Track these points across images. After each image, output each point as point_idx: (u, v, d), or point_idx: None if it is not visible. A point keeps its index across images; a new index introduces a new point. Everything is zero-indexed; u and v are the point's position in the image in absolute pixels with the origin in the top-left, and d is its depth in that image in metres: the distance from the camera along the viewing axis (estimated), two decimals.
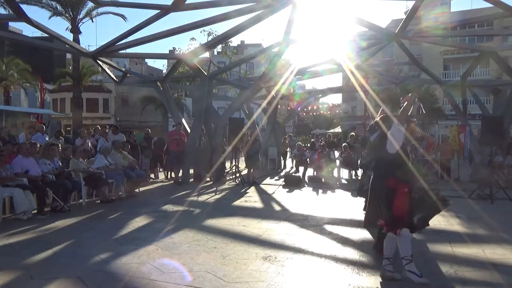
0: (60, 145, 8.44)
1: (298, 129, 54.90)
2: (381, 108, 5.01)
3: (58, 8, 21.62)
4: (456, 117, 13.62)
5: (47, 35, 10.42)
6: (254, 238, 5.31)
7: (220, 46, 25.28)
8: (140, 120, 31.37)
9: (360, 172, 12.46)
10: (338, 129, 40.00)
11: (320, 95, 21.24)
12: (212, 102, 14.28)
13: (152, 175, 12.57)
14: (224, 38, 13.00)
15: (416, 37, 11.17)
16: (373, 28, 9.90)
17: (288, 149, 17.96)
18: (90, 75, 27.24)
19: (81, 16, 22.12)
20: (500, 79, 19.91)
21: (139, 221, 6.30)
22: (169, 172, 12.57)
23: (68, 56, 30.02)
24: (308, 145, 15.62)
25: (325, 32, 12.09)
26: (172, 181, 11.53)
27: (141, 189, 9.56)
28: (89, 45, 52.97)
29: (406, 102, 4.05)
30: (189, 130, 12.17)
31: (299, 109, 21.64)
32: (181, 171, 11.66)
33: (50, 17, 21.77)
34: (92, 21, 22.93)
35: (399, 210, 3.79)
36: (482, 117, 11.05)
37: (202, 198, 8.80)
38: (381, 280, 3.78)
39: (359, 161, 11.71)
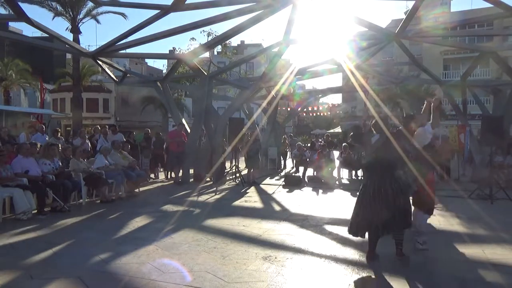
0: (60, 145, 8.45)
1: (298, 129, 54.87)
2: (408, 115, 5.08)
3: (58, 8, 21.64)
4: (456, 117, 13.61)
5: (47, 35, 10.42)
6: (254, 238, 5.31)
7: (220, 46, 25.30)
8: (140, 120, 31.36)
9: (360, 172, 12.48)
10: (338, 129, 40.00)
11: (320, 95, 21.24)
12: (212, 102, 14.28)
13: (152, 175, 12.57)
14: (224, 38, 12.99)
15: (416, 37, 11.16)
16: (373, 28, 9.90)
17: (288, 149, 17.96)
18: (90, 75, 27.25)
19: (81, 16, 22.16)
20: (500, 79, 19.90)
21: (139, 221, 6.30)
22: (169, 172, 12.57)
23: (68, 56, 30.01)
24: (308, 145, 15.62)
25: (325, 32, 12.10)
26: (172, 181, 11.53)
27: (141, 189, 9.56)
28: (89, 45, 52.95)
29: (432, 107, 4.66)
30: (189, 130, 12.18)
31: (299, 109, 21.63)
32: (181, 171, 11.65)
33: (53, 18, 21.86)
34: (98, 21, 23.01)
35: (428, 196, 4.55)
36: (482, 117, 11.04)
37: (202, 198, 8.80)
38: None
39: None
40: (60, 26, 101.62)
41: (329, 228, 5.94)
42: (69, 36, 21.34)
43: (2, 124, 14.85)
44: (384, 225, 4.12)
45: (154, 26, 16.76)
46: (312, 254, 4.64)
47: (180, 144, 11.50)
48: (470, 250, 4.76)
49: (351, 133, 5.04)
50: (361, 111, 35.06)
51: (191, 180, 11.63)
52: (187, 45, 58.08)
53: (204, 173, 11.28)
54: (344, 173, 12.77)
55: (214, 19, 9.73)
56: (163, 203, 7.97)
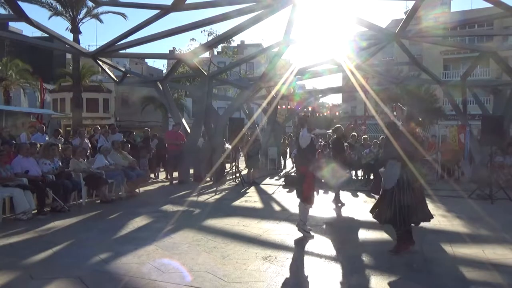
0: (60, 145, 8.44)
1: (298, 129, 54.74)
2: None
3: (58, 8, 21.65)
4: (456, 117, 13.60)
5: (47, 35, 10.42)
6: (254, 238, 5.31)
7: (220, 46, 25.30)
8: (140, 120, 31.38)
9: (360, 172, 12.48)
10: None
11: (320, 95, 21.23)
12: (212, 102, 14.28)
13: (152, 175, 12.56)
14: (224, 38, 13.00)
15: (416, 37, 11.17)
16: (373, 28, 9.90)
17: (288, 149, 17.96)
18: (90, 75, 27.27)
19: (81, 16, 22.17)
20: (500, 79, 19.91)
21: (139, 221, 6.30)
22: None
23: (68, 56, 30.02)
24: None
25: (325, 32, 12.07)
26: (170, 182, 11.50)
27: (141, 189, 9.55)
28: (89, 45, 52.97)
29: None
30: (189, 130, 12.17)
31: (299, 109, 21.61)
32: (177, 171, 11.62)
33: (50, 17, 21.85)
34: (101, 21, 23.03)
35: (307, 190, 5.30)
36: (482, 117, 11.03)
37: (202, 198, 8.79)
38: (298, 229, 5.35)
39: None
40: (60, 26, 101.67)
41: (329, 228, 5.95)
42: (69, 36, 21.36)
43: (2, 124, 14.87)
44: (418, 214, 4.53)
45: (154, 26, 16.76)
46: (312, 254, 4.64)
47: (178, 144, 11.50)
48: (470, 250, 4.76)
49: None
50: (361, 111, 35.01)
51: (191, 180, 11.63)
52: (187, 45, 58.01)
53: (204, 173, 11.28)
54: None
55: (214, 19, 9.72)
56: (163, 203, 7.97)
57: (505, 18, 11.22)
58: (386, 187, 4.59)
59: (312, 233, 5.34)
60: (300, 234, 5.52)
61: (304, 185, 5.38)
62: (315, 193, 5.54)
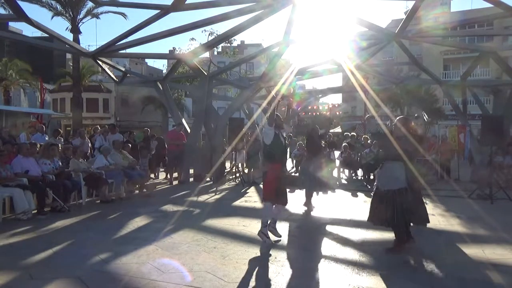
0: (60, 145, 8.44)
1: (298, 129, 54.71)
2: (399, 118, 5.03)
3: (58, 8, 21.66)
4: (456, 117, 13.59)
5: (47, 35, 10.43)
6: (254, 238, 5.30)
7: (220, 46, 25.30)
8: (140, 120, 31.36)
9: (360, 172, 12.48)
10: (338, 129, 39.92)
11: (320, 95, 21.22)
12: (212, 102, 14.27)
13: (152, 175, 12.56)
14: (224, 38, 13.00)
15: (416, 37, 11.17)
16: (373, 28, 9.90)
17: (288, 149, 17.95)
18: (90, 75, 27.27)
19: (81, 16, 22.18)
20: (500, 79, 19.91)
21: (139, 221, 6.30)
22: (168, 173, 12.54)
23: (68, 56, 30.05)
24: None
25: (325, 32, 12.08)
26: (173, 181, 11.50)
27: (137, 189, 9.50)
28: (89, 45, 52.92)
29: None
30: (189, 130, 12.17)
31: (299, 109, 21.59)
32: (178, 171, 11.62)
33: (52, 17, 21.87)
34: (98, 18, 22.99)
35: (267, 186, 5.11)
36: (482, 117, 11.03)
37: (202, 198, 8.79)
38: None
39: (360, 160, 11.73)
40: (60, 26, 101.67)
41: (329, 228, 5.95)
42: (69, 36, 21.38)
43: (2, 124, 14.87)
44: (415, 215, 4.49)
45: (154, 26, 16.78)
46: (312, 254, 4.64)
47: (179, 144, 11.51)
48: (470, 250, 4.76)
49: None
50: (361, 111, 35.02)
51: (191, 180, 11.62)
52: (187, 45, 58.03)
53: (204, 173, 11.28)
54: (344, 173, 12.76)
55: (214, 19, 9.73)
56: (163, 203, 7.96)
57: (505, 18, 11.20)
58: (384, 188, 4.57)
59: (271, 240, 5.00)
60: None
61: (264, 181, 5.26)
62: (278, 192, 5.09)
